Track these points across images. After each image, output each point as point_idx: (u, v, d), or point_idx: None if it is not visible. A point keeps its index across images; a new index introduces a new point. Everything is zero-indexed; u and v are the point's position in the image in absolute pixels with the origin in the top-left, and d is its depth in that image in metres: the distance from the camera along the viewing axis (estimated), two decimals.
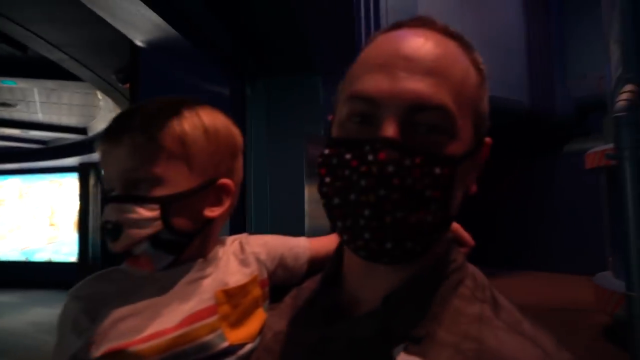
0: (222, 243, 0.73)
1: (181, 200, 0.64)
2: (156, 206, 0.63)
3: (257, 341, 0.66)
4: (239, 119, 2.26)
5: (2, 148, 8.59)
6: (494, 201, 8.58)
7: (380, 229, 0.51)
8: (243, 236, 0.76)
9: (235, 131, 0.73)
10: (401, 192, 0.50)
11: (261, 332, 0.67)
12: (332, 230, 0.58)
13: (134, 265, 0.65)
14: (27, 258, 9.98)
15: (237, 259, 0.72)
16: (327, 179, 0.55)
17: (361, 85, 0.54)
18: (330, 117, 0.62)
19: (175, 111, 0.67)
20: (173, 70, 2.40)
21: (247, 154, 2.42)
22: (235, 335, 0.64)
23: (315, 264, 0.76)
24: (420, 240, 0.53)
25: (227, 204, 0.70)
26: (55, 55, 3.03)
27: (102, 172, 0.67)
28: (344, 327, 0.57)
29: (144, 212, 0.62)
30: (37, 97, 5.59)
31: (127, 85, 2.81)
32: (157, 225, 0.63)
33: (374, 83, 0.53)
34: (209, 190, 0.68)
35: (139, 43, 2.34)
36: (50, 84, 4.94)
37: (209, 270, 0.68)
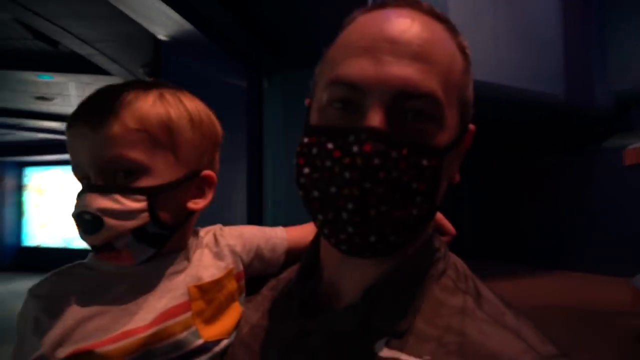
0: (196, 235, 0.70)
1: (167, 191, 0.61)
2: (143, 197, 0.59)
3: (233, 336, 0.64)
4: (256, 111, 2.28)
5: (43, 140, 9.00)
6: (529, 199, 8.30)
7: (363, 223, 0.49)
8: (217, 228, 0.73)
9: (216, 121, 0.70)
10: (387, 186, 0.48)
11: (237, 326, 0.64)
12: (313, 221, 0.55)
13: (110, 260, 0.61)
14: (67, 245, 10.42)
15: (212, 252, 0.69)
16: (306, 170, 0.52)
17: (343, 69, 0.51)
18: (307, 102, 0.59)
19: (160, 98, 0.63)
20: (193, 63, 2.44)
21: (264, 146, 2.44)
22: (210, 332, 0.62)
23: (293, 254, 0.73)
24: (404, 233, 0.51)
25: (210, 196, 0.67)
26: (85, 50, 3.13)
27: (71, 157, 0.62)
28: (324, 321, 0.55)
29: (129, 204, 0.58)
30: (73, 91, 5.82)
31: (152, 78, 2.88)
32: (143, 218, 0.59)
33: (357, 68, 0.50)
34: (192, 182, 0.65)
35: (161, 37, 2.39)
36: (85, 78, 5.12)
37: (182, 264, 0.65)
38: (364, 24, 0.54)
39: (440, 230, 0.67)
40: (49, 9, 2.35)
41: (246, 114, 2.33)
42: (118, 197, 0.58)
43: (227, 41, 2.02)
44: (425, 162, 0.49)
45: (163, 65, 2.52)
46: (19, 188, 10.25)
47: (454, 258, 0.60)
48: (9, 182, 9.47)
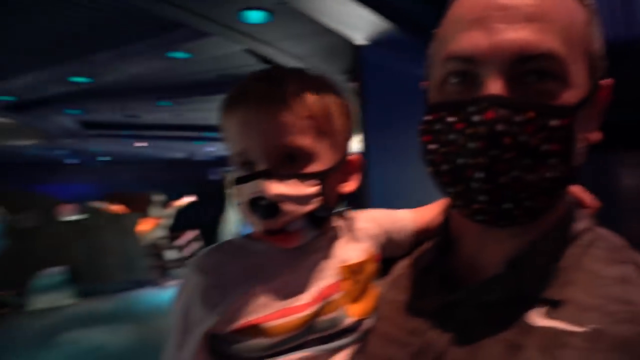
0: (333, 220, 0.70)
1: (330, 176, 0.63)
2: (316, 182, 0.61)
3: (374, 315, 0.65)
4: None
5: None
6: None
7: (495, 191, 0.49)
8: (350, 212, 0.73)
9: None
10: (514, 151, 0.47)
11: (377, 305, 0.66)
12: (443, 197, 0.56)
13: (278, 242, 0.62)
14: None
15: (350, 235, 0.70)
16: (432, 146, 0.53)
17: (456, 44, 0.51)
18: (424, 84, 0.59)
19: (318, 86, 0.65)
20: (391, 62, 2.55)
21: None
22: (356, 311, 0.63)
23: (420, 234, 0.72)
24: (540, 198, 0.50)
25: (357, 179, 0.68)
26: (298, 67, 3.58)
27: (233, 142, 0.62)
28: (471, 292, 0.55)
29: (305, 189, 0.60)
30: None
31: (353, 84, 3.10)
32: (317, 202, 0.61)
33: (470, 40, 0.50)
34: (342, 167, 0.66)
35: (360, 42, 2.57)
36: None
37: (327, 246, 0.67)
38: None
39: (581, 204, 0.62)
40: (273, 35, 2.78)
41: None
42: (294, 182, 0.59)
43: (426, 34, 2.04)
44: (554, 123, 0.47)
45: (363, 69, 2.70)
46: None
47: (603, 231, 0.56)
48: None
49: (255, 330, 0.59)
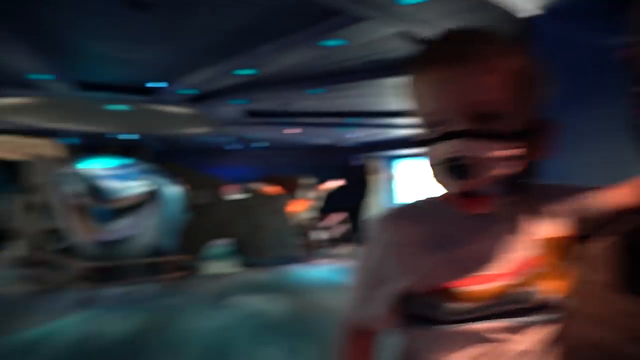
0: (523, 190, 0.65)
1: (526, 139, 0.59)
2: (513, 144, 0.57)
3: (573, 294, 0.59)
4: None
5: (405, 136, 10.36)
6: None
7: None
8: (541, 184, 0.67)
9: None
10: None
11: (576, 285, 0.60)
12: None
13: (468, 206, 0.60)
14: None
15: (545, 209, 0.64)
16: None
17: None
18: (625, 53, 0.52)
19: (514, 47, 0.62)
20: (570, 31, 2.26)
21: None
22: (554, 288, 0.59)
23: (613, 213, 0.63)
24: None
25: (552, 146, 0.63)
26: None
27: (425, 102, 0.60)
28: None
29: (502, 151, 0.57)
30: None
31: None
32: (513, 165, 0.58)
33: None
34: (538, 131, 0.62)
35: (529, 13, 2.34)
36: None
37: (521, 218, 0.62)
38: None
39: None
40: (430, 14, 2.71)
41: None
42: (491, 143, 0.56)
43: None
44: None
45: (534, 40, 2.45)
46: (390, 178, 12.24)
47: None
48: (385, 173, 11.47)
49: (448, 294, 0.58)
